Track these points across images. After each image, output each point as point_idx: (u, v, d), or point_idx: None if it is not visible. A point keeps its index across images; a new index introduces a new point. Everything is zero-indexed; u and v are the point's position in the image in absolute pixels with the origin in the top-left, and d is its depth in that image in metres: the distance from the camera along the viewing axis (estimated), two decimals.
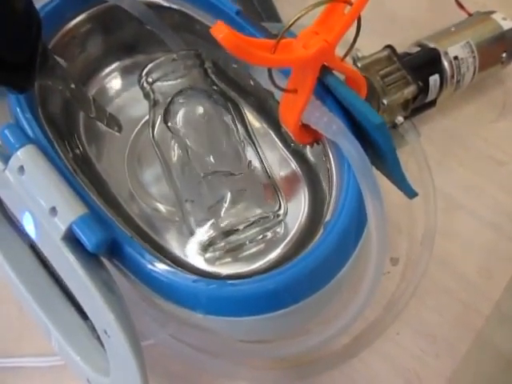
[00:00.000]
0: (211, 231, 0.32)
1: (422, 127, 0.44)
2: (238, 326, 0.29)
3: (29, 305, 0.33)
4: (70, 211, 0.27)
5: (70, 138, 0.37)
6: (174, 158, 0.35)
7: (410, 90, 0.41)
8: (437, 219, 0.39)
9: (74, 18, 0.37)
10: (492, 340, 0.39)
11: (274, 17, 0.48)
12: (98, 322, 0.29)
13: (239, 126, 0.36)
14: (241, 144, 0.35)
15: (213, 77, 0.37)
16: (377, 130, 0.28)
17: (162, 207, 0.36)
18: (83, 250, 0.27)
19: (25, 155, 0.28)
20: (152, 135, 0.35)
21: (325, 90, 0.31)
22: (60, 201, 0.27)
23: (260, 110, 0.39)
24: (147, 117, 0.37)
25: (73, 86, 0.33)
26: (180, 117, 0.35)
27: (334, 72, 0.30)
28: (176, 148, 0.35)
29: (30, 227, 0.29)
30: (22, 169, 0.28)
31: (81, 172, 0.32)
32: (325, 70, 0.29)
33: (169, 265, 0.28)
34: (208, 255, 0.33)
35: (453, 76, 0.42)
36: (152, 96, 0.36)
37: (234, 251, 0.33)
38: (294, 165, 0.37)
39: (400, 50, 0.43)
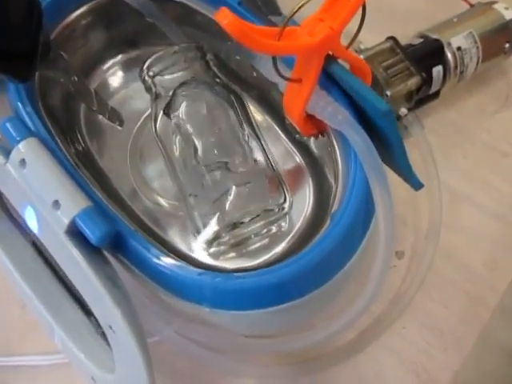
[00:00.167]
0: (216, 225, 0.32)
1: (426, 119, 0.43)
2: (244, 320, 0.29)
3: (31, 302, 0.32)
4: (73, 204, 0.27)
5: (72, 133, 0.36)
6: (177, 152, 0.35)
7: (413, 82, 0.41)
8: (442, 212, 0.39)
9: (75, 10, 0.37)
10: (496, 334, 0.38)
11: (275, 11, 0.48)
12: (102, 318, 0.29)
13: (242, 119, 0.36)
14: (244, 136, 0.35)
15: (215, 69, 0.37)
16: (383, 118, 0.28)
17: (165, 202, 0.36)
18: (87, 244, 0.27)
19: (26, 148, 0.28)
20: (154, 129, 0.35)
21: (329, 79, 0.30)
22: (63, 194, 0.27)
23: (263, 103, 0.38)
24: (149, 110, 0.37)
25: (75, 78, 0.32)
26: (183, 109, 0.35)
27: (338, 61, 0.29)
28: (178, 142, 0.35)
29: (32, 222, 0.28)
30: (23, 162, 0.28)
31: (83, 167, 0.32)
32: (329, 59, 0.29)
33: (174, 259, 0.28)
34: (212, 250, 0.33)
35: (456, 67, 0.42)
36: (154, 89, 0.36)
37: (238, 246, 0.33)
38: (298, 157, 0.37)
39: (401, 41, 0.42)
